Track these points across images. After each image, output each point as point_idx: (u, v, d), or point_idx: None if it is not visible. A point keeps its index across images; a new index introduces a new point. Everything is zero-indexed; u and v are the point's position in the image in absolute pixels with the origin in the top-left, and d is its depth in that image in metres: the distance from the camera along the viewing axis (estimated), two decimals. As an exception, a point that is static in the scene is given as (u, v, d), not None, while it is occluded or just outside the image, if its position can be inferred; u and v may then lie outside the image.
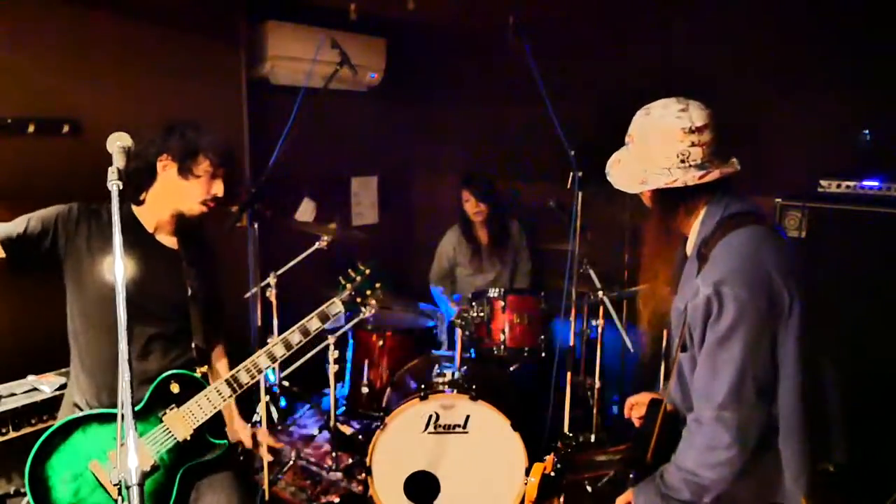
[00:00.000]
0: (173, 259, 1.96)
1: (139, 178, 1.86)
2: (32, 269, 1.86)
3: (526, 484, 1.64)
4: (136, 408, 1.78)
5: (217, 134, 1.91)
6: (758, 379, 1.44)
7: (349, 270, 2.06)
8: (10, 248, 1.78)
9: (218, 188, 1.90)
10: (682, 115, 1.49)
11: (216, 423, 1.90)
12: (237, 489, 1.90)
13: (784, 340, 1.45)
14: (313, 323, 1.96)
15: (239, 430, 2.06)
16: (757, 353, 1.43)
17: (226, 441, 1.92)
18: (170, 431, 1.80)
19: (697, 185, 1.50)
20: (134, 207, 1.92)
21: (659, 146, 1.51)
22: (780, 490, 1.50)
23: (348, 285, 2.03)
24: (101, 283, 1.82)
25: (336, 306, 1.99)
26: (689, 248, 1.63)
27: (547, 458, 1.71)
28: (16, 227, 1.80)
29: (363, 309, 2.05)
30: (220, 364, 2.20)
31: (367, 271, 2.03)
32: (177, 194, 1.89)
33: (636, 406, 1.94)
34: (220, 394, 1.86)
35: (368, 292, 2.04)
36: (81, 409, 1.85)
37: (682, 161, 1.50)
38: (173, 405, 1.82)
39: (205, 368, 1.96)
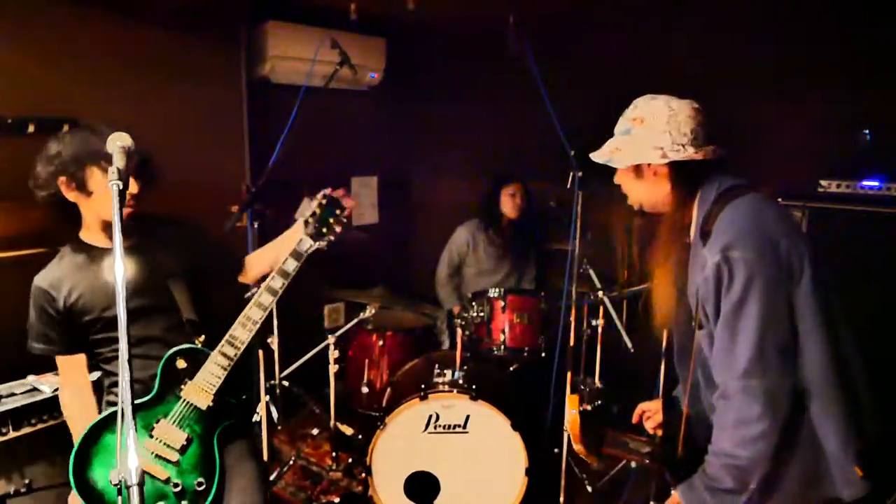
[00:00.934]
0: (135, 257, 1.94)
1: (65, 207, 1.87)
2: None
3: (567, 418, 1.58)
4: (151, 394, 1.86)
5: (100, 132, 1.80)
6: (779, 341, 1.41)
7: (309, 205, 2.05)
8: None
9: (131, 186, 1.83)
10: (683, 99, 1.58)
11: (231, 382, 1.94)
12: (258, 458, 2.03)
13: (799, 303, 1.42)
14: (289, 264, 1.96)
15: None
16: (774, 315, 1.41)
17: (244, 398, 2.01)
18: (192, 404, 1.87)
19: (704, 161, 1.54)
20: (81, 234, 1.95)
21: (674, 124, 1.55)
22: (828, 466, 1.45)
23: (311, 219, 2.01)
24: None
25: (305, 242, 1.98)
26: (692, 233, 1.63)
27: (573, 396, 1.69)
28: None
29: (330, 237, 2.01)
30: None
31: (324, 201, 2.01)
32: (94, 209, 1.88)
33: (651, 415, 1.94)
34: (225, 356, 1.90)
35: (332, 220, 2.02)
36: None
37: (695, 138, 1.55)
38: (186, 379, 1.88)
39: (202, 338, 1.98)
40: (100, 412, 1.98)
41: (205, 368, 1.89)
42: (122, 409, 1.06)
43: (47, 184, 1.83)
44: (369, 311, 3.23)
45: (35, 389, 2.41)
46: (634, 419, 1.99)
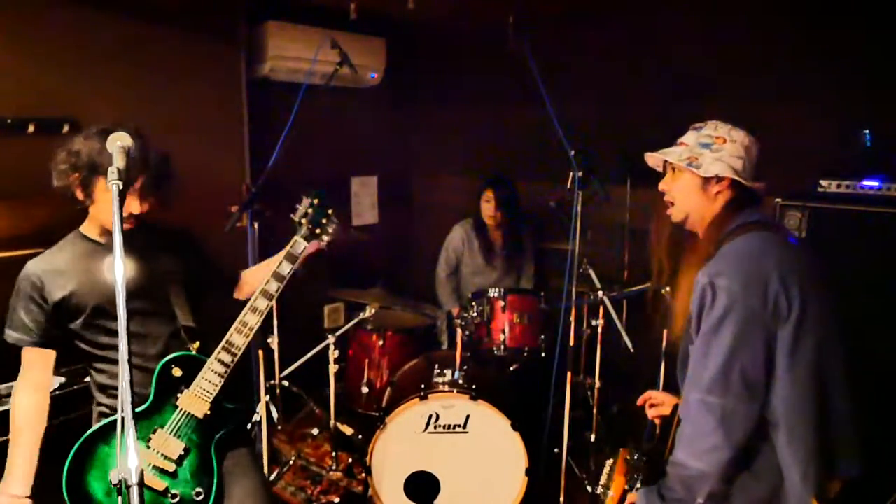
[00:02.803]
0: (133, 256, 1.90)
1: (71, 201, 1.84)
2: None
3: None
4: (146, 404, 1.82)
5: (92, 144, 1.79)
6: (746, 371, 1.48)
7: (298, 206, 2.06)
8: None
9: (131, 206, 1.82)
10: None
11: (228, 388, 1.92)
12: (257, 466, 2.01)
13: (780, 344, 1.49)
14: (284, 267, 1.97)
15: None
16: (746, 346, 1.48)
17: (241, 404, 1.96)
18: (188, 413, 1.83)
19: (755, 192, 1.68)
20: (82, 228, 1.93)
21: (748, 154, 1.68)
22: (787, 495, 1.51)
23: (303, 220, 2.02)
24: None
25: (299, 244, 1.99)
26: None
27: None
28: None
29: (324, 237, 2.03)
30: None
31: (316, 200, 2.02)
32: (97, 213, 1.87)
33: (656, 405, 1.98)
34: (221, 363, 1.88)
35: (324, 220, 2.04)
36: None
37: (757, 173, 1.69)
38: (182, 387, 1.85)
39: (197, 345, 1.96)
40: (91, 422, 1.93)
41: (201, 376, 1.86)
42: (123, 409, 1.06)
43: (63, 175, 1.80)
44: (369, 311, 3.23)
45: (35, 389, 2.41)
46: (639, 402, 2.04)
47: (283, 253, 2.02)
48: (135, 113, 2.89)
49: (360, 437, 3.31)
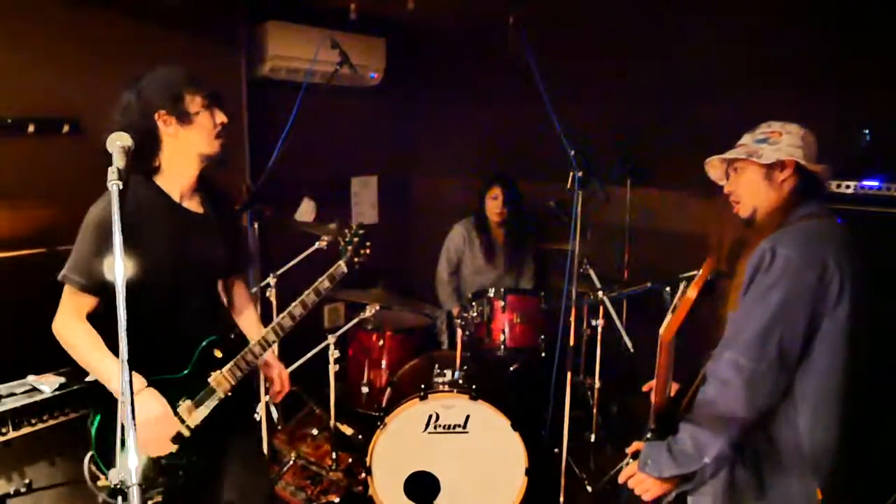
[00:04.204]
0: (203, 225, 1.95)
1: (144, 148, 1.79)
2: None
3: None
4: (184, 373, 1.89)
5: (178, 65, 1.90)
6: (784, 340, 1.49)
7: (345, 231, 2.24)
8: None
9: (220, 116, 1.88)
10: None
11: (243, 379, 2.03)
12: (258, 455, 2.16)
13: (827, 327, 1.51)
14: (324, 284, 2.10)
15: (274, 364, 2.23)
16: (790, 316, 1.50)
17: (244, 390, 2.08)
18: (215, 391, 1.93)
19: (818, 178, 1.73)
20: (155, 178, 1.87)
21: (805, 143, 1.74)
22: (791, 477, 1.53)
23: (349, 248, 2.19)
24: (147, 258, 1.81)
25: (341, 268, 2.14)
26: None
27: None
28: None
29: (356, 265, 2.21)
30: (248, 312, 2.29)
31: (362, 231, 2.21)
32: (191, 142, 1.84)
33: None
34: (253, 354, 1.98)
35: (363, 251, 2.20)
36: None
37: (813, 154, 1.74)
38: (217, 367, 1.94)
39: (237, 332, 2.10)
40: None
41: (234, 363, 1.95)
42: (122, 409, 1.06)
43: (139, 121, 1.77)
44: (369, 311, 3.23)
45: (35, 389, 2.41)
46: (645, 388, 2.00)
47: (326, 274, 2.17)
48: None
49: (360, 437, 3.31)
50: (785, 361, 1.50)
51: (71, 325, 1.82)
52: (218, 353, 1.94)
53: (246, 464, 2.04)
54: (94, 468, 1.80)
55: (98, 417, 1.82)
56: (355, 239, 2.19)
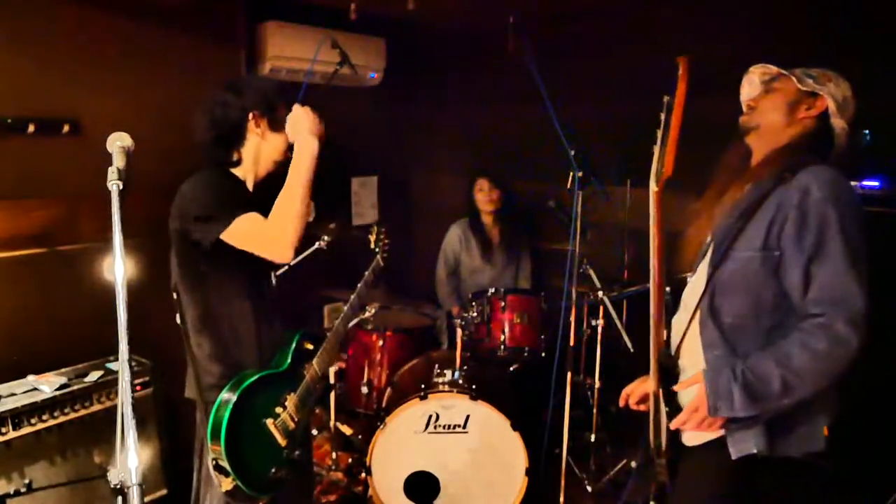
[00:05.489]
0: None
1: (229, 140, 1.91)
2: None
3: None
4: (284, 367, 1.95)
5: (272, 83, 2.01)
6: (868, 286, 1.52)
7: (373, 230, 2.56)
8: None
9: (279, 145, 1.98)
10: None
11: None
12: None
13: None
14: (368, 277, 2.37)
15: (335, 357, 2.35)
16: (866, 263, 1.54)
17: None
18: (308, 383, 2.02)
19: (833, 134, 1.68)
20: (233, 170, 1.95)
21: (844, 98, 1.72)
22: (818, 417, 1.57)
23: (379, 246, 2.51)
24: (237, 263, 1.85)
25: (380, 262, 2.49)
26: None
27: None
28: None
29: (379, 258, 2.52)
30: None
31: (384, 230, 2.53)
32: (273, 146, 1.96)
33: (631, 392, 1.93)
34: (332, 345, 2.11)
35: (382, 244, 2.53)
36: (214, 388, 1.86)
37: (846, 116, 1.71)
38: (308, 360, 2.05)
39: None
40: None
41: (319, 354, 2.05)
42: (122, 409, 1.06)
43: (234, 115, 1.87)
44: (369, 311, 3.24)
45: (35, 389, 2.41)
46: (621, 402, 1.96)
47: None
48: (135, 113, 2.91)
49: (360, 437, 3.31)
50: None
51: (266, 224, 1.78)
52: (308, 346, 2.05)
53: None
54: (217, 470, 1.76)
55: (229, 408, 1.76)
56: (385, 238, 2.53)
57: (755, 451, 1.55)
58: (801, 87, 1.67)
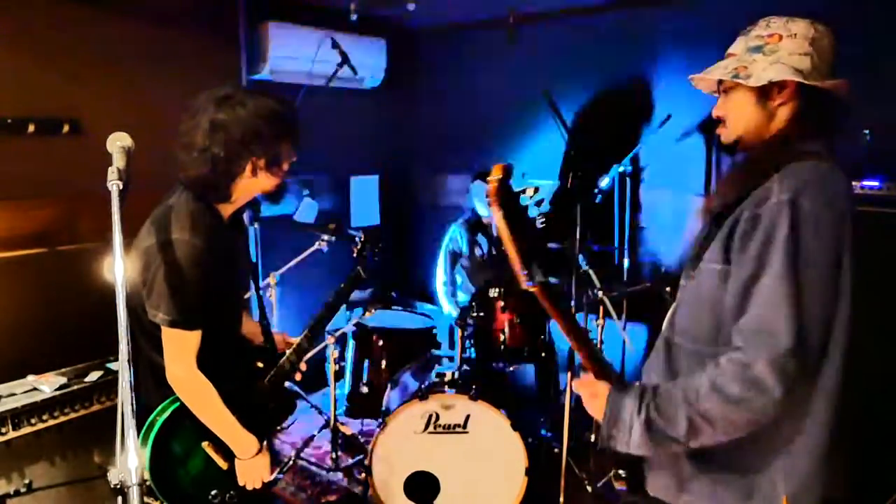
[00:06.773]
0: (238, 241, 2.02)
1: (227, 179, 1.78)
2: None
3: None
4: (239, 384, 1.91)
5: (293, 128, 1.85)
6: (823, 318, 1.22)
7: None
8: None
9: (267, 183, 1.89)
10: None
11: None
12: None
13: (840, 296, 1.25)
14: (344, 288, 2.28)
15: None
16: (829, 288, 1.22)
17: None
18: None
19: (833, 96, 1.36)
20: (216, 204, 1.85)
21: (818, 48, 1.38)
22: (762, 485, 1.31)
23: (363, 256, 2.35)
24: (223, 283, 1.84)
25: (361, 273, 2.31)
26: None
27: None
28: None
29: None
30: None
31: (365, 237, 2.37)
32: (264, 184, 1.86)
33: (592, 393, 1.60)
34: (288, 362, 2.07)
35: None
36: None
37: (832, 71, 1.37)
38: (261, 377, 2.02)
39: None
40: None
41: (272, 372, 2.01)
42: (122, 409, 1.06)
43: (234, 161, 1.74)
44: (369, 312, 3.24)
45: (35, 389, 2.41)
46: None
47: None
48: (134, 113, 2.91)
49: (360, 437, 3.31)
50: (821, 340, 1.23)
51: (196, 371, 1.73)
52: (259, 364, 2.00)
53: None
54: None
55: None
56: (370, 246, 2.38)
57: None
58: (749, 84, 1.34)
